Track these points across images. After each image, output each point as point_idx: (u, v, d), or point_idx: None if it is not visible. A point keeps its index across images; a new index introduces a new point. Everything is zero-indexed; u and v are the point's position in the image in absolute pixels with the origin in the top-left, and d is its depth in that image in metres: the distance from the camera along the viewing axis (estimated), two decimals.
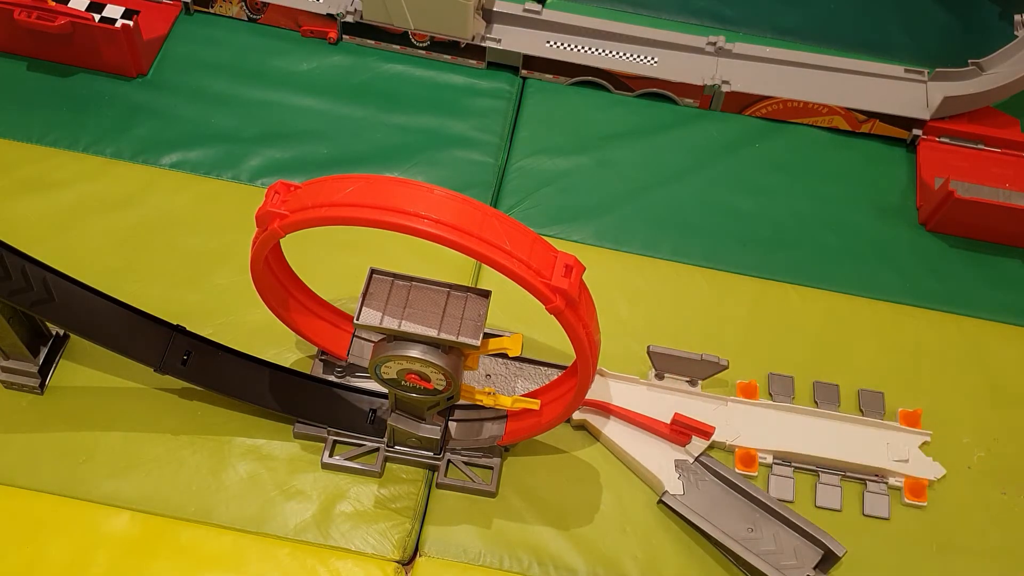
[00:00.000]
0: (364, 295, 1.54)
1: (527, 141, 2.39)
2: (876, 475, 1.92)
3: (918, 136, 2.40)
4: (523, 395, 1.73)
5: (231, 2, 2.52)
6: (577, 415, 1.91)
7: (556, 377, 1.75)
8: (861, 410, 1.99)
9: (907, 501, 1.90)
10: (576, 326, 1.43)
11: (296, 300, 1.81)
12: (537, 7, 2.50)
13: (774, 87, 2.44)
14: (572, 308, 1.41)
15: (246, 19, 2.55)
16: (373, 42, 2.52)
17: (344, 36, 2.53)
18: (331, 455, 1.87)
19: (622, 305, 2.11)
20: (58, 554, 1.75)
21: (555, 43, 2.48)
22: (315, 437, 1.89)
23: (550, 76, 2.50)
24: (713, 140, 2.42)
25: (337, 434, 1.88)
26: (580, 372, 1.55)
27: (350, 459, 1.86)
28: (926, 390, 2.05)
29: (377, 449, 1.87)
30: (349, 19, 2.47)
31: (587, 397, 1.66)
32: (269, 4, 2.50)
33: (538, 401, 1.70)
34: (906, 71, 2.46)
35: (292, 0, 2.50)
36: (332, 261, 2.08)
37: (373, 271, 1.57)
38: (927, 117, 2.39)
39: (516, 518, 1.84)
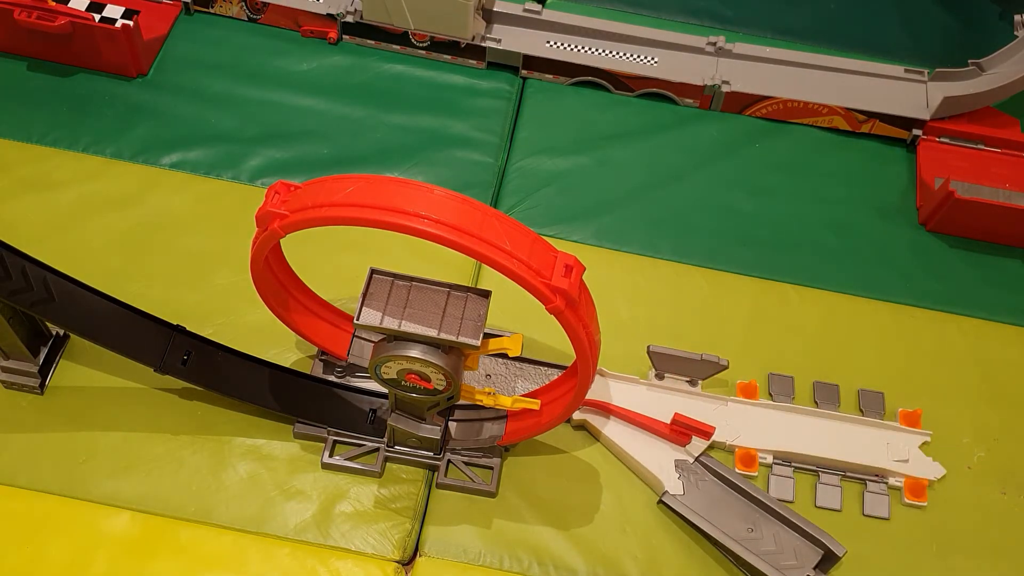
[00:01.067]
0: (364, 295, 1.54)
1: (527, 141, 2.39)
2: (876, 475, 1.92)
3: (918, 136, 2.41)
4: (523, 395, 1.73)
5: (231, 2, 2.52)
6: (577, 415, 1.91)
7: (556, 377, 1.75)
8: (861, 410, 1.99)
9: (907, 501, 1.90)
10: (576, 326, 1.43)
11: (296, 300, 1.81)
12: (537, 7, 2.50)
13: (774, 87, 2.44)
14: (572, 308, 1.41)
15: (246, 19, 2.55)
16: (373, 42, 2.52)
17: (344, 36, 2.53)
18: (331, 455, 1.87)
19: (622, 305, 2.11)
20: (58, 554, 1.75)
21: (555, 43, 2.48)
22: (315, 437, 1.89)
23: (550, 76, 2.50)
24: (713, 140, 2.42)
25: (337, 434, 1.88)
26: (580, 372, 1.55)
27: (350, 459, 1.86)
28: (926, 390, 2.05)
29: (377, 449, 1.87)
30: (349, 19, 2.48)
31: (587, 397, 1.67)
32: (269, 4, 2.50)
33: (538, 401, 1.70)
34: (906, 71, 2.46)
35: (292, 0, 2.50)
36: (332, 261, 2.08)
37: (373, 271, 1.57)
38: (927, 117, 2.39)
39: (516, 518, 1.84)
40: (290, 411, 1.88)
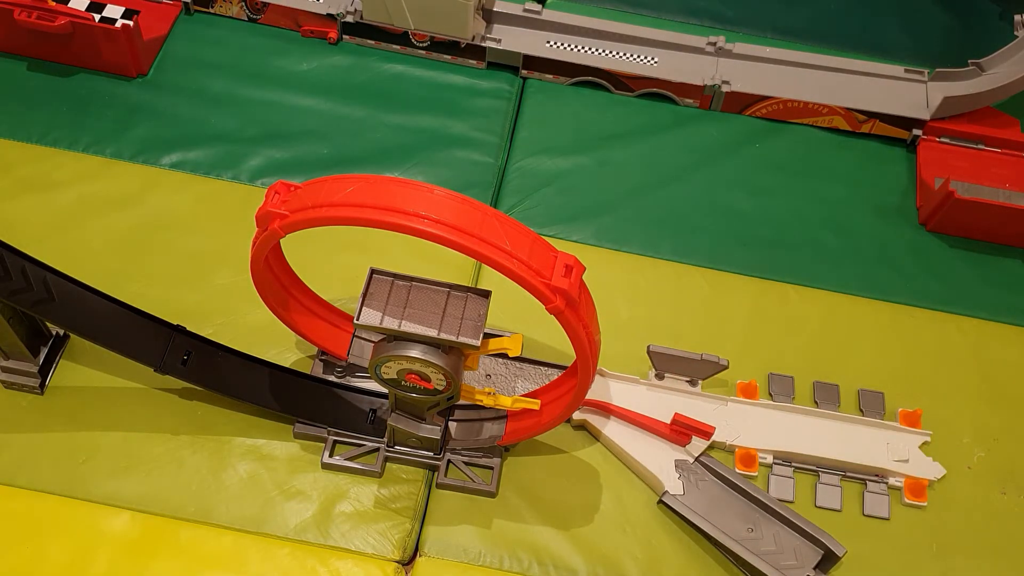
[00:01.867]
0: (364, 295, 1.54)
1: (527, 141, 2.39)
2: (876, 475, 1.92)
3: (918, 136, 2.40)
4: (523, 395, 1.73)
5: (231, 2, 2.52)
6: (577, 415, 1.91)
7: (556, 377, 1.75)
8: (861, 410, 1.99)
9: (907, 501, 1.90)
10: (576, 326, 1.43)
11: (296, 300, 1.81)
12: (537, 7, 2.50)
13: (774, 87, 2.44)
14: (572, 308, 1.41)
15: (246, 19, 2.55)
16: (373, 42, 2.52)
17: (344, 36, 2.53)
18: (331, 455, 1.87)
19: (622, 305, 2.11)
20: (58, 554, 1.75)
21: (555, 43, 2.48)
22: (315, 437, 1.89)
23: (550, 76, 2.50)
24: (713, 140, 2.42)
25: (337, 434, 1.88)
26: (580, 372, 1.55)
27: (350, 459, 1.87)
28: (926, 390, 2.05)
29: (377, 449, 1.87)
30: (349, 19, 2.48)
31: (587, 397, 1.66)
32: (269, 4, 2.50)
33: (538, 401, 1.70)
34: (906, 71, 2.46)
35: (292, 0, 2.50)
36: (332, 261, 2.08)
37: (373, 271, 1.57)
38: (927, 117, 2.39)
39: (516, 518, 1.84)
40: (290, 411, 1.88)
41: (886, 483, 1.92)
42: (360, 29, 2.50)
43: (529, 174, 2.33)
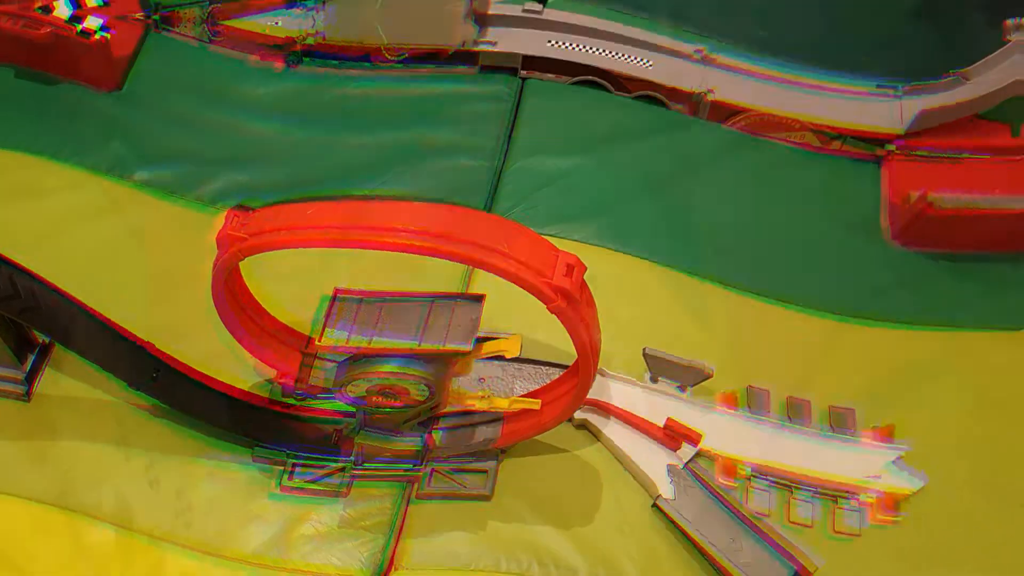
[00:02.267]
0: (328, 316, 1.53)
1: (527, 141, 2.38)
2: (853, 488, 1.92)
3: (891, 151, 2.42)
4: (522, 395, 1.73)
5: (193, 23, 2.49)
6: (578, 414, 1.90)
7: (557, 377, 1.76)
8: (838, 424, 1.99)
9: (884, 514, 1.90)
10: (578, 325, 1.44)
11: (256, 324, 1.78)
12: (538, 7, 2.48)
13: (752, 99, 2.45)
14: (574, 307, 1.41)
15: (207, 41, 2.50)
16: (336, 64, 2.49)
17: (310, 55, 2.49)
18: (294, 476, 1.85)
19: (621, 306, 2.07)
20: (40, 564, 1.75)
21: (556, 43, 2.48)
22: (278, 460, 1.87)
23: (551, 76, 2.49)
24: (704, 147, 2.42)
25: (299, 457, 1.87)
26: (581, 371, 1.55)
27: (313, 481, 1.85)
28: (906, 402, 2.05)
29: (343, 468, 1.85)
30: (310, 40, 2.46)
31: (588, 397, 1.66)
32: (229, 27, 2.47)
33: (539, 401, 1.70)
34: (879, 87, 2.47)
35: (251, 23, 2.47)
36: (297, 281, 1.98)
37: (338, 291, 1.57)
38: (901, 131, 2.40)
39: (513, 519, 1.84)
40: (252, 435, 1.87)
41: (863, 496, 1.92)
42: (328, 47, 2.47)
43: (529, 174, 2.31)
